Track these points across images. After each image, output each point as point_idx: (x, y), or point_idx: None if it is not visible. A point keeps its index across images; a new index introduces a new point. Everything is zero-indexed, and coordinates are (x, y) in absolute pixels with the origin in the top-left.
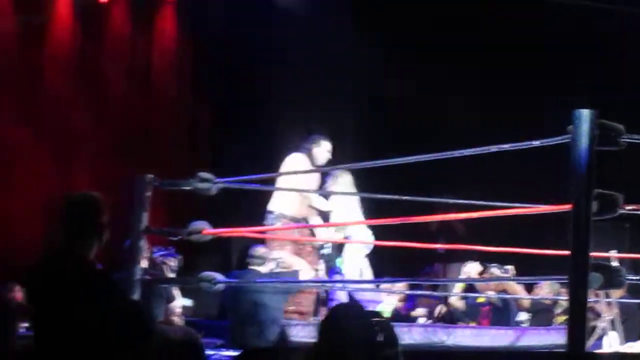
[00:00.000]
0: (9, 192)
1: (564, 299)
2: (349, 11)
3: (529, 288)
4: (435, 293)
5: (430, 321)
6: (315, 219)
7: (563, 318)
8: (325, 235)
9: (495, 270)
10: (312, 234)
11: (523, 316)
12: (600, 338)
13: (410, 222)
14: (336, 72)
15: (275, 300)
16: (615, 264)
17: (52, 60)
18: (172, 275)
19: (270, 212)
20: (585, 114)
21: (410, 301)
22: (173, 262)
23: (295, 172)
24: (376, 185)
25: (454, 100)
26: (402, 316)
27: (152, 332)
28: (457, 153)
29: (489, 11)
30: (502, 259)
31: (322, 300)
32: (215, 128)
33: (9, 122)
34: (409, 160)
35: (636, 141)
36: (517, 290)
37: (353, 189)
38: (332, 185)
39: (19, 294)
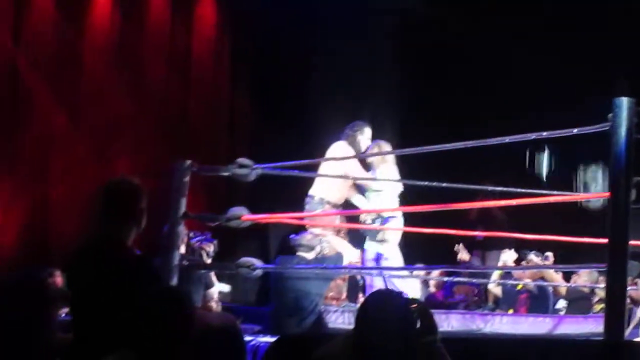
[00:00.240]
0: (48, 179)
1: (601, 287)
2: None
3: (567, 276)
4: (473, 280)
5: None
6: (357, 196)
7: (601, 306)
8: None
9: (533, 257)
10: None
11: (561, 304)
12: (638, 325)
13: (449, 209)
14: (377, 60)
15: (318, 287)
16: None
17: (92, 46)
18: (209, 260)
19: (311, 197)
20: (625, 102)
21: (447, 289)
22: (210, 248)
23: (333, 159)
24: (415, 173)
25: (497, 87)
26: (439, 303)
27: (191, 318)
28: (496, 140)
29: None
30: (540, 247)
31: (361, 287)
32: (253, 114)
33: (49, 108)
34: (448, 148)
35: None
36: (555, 277)
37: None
38: (377, 165)
39: (59, 279)
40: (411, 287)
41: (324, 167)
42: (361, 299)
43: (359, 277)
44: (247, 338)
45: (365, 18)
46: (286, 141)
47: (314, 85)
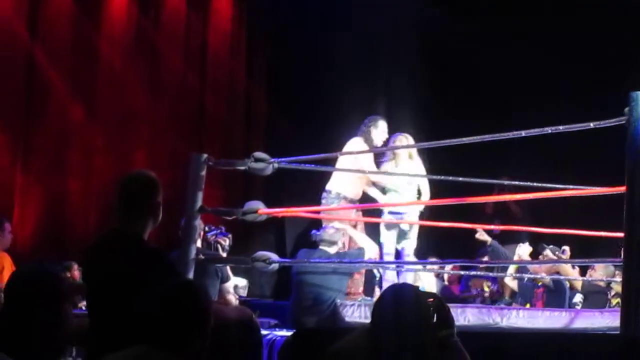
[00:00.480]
0: (65, 172)
1: (617, 281)
2: None
3: (583, 270)
4: (490, 274)
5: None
6: (373, 190)
7: (617, 300)
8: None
9: (548, 253)
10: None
11: (577, 298)
12: None
13: (465, 202)
14: (393, 53)
15: (338, 282)
16: None
17: (108, 39)
18: (224, 254)
19: (328, 192)
20: None
21: (463, 283)
22: (226, 241)
23: (350, 153)
24: (433, 167)
25: (513, 81)
26: (455, 297)
27: (208, 312)
28: (512, 134)
29: None
30: (556, 241)
31: (378, 281)
32: (269, 108)
33: (65, 102)
34: (464, 142)
35: None
36: (570, 272)
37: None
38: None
39: (77, 272)
40: (427, 281)
41: (341, 162)
42: (378, 293)
43: (375, 271)
44: (264, 332)
45: (381, 11)
46: (302, 134)
47: (330, 78)
